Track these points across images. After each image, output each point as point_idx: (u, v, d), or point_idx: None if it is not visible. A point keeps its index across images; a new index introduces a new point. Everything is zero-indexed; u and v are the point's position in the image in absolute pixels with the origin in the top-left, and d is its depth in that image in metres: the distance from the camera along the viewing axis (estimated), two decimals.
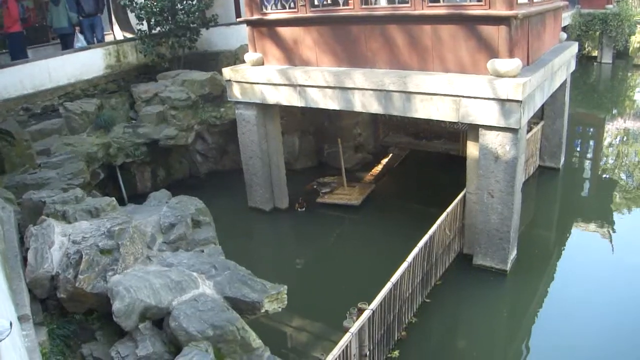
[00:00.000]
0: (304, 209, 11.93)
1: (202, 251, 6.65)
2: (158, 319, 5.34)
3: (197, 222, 7.20)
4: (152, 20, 14.29)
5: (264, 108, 11.18)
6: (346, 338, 5.91)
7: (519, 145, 8.20)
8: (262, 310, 5.63)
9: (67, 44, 14.81)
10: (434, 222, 8.25)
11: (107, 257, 5.74)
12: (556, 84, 10.62)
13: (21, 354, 4.04)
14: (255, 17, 10.73)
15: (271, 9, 10.62)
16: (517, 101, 7.84)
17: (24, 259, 6.03)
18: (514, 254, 9.19)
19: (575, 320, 7.94)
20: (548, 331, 7.81)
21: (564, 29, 20.73)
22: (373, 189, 12.50)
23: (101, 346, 5.48)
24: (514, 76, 8.08)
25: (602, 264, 9.43)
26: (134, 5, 14.08)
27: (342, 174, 12.49)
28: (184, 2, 14.44)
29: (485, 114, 8.21)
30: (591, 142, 16.81)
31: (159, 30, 14.60)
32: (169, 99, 12.89)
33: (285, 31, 10.53)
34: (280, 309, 5.85)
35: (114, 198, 7.15)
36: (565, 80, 11.82)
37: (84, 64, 13.57)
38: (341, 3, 9.66)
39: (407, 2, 8.82)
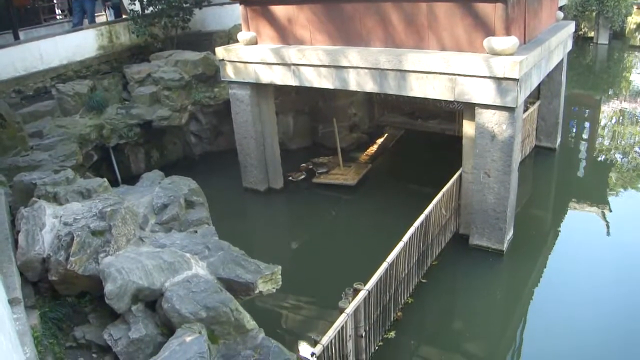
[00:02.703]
0: (301, 178, 12.07)
1: (196, 232, 6.56)
2: (151, 300, 5.26)
3: (191, 203, 7.11)
4: (145, 0, 14.08)
5: (258, 88, 11.06)
6: (342, 319, 5.87)
7: (515, 124, 8.12)
8: (256, 291, 5.55)
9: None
10: (430, 202, 8.19)
11: (98, 238, 5.66)
12: (553, 63, 10.51)
13: (12, 338, 3.97)
14: None
15: None
16: (514, 79, 7.75)
17: (15, 242, 5.96)
18: (510, 234, 9.15)
19: (571, 300, 7.93)
20: (544, 311, 7.81)
21: (560, 9, 20.52)
22: (369, 168, 12.44)
23: (94, 329, 5.41)
24: (511, 54, 7.99)
25: (598, 244, 9.44)
26: None
27: (338, 153, 12.41)
28: None
29: (481, 92, 8.11)
30: (587, 123, 16.72)
31: (152, 11, 14.42)
32: (162, 80, 12.75)
33: (278, 9, 10.37)
34: (274, 290, 5.77)
35: (105, 179, 7.04)
36: (562, 59, 11.71)
37: (76, 45, 13.47)
38: None
39: None
